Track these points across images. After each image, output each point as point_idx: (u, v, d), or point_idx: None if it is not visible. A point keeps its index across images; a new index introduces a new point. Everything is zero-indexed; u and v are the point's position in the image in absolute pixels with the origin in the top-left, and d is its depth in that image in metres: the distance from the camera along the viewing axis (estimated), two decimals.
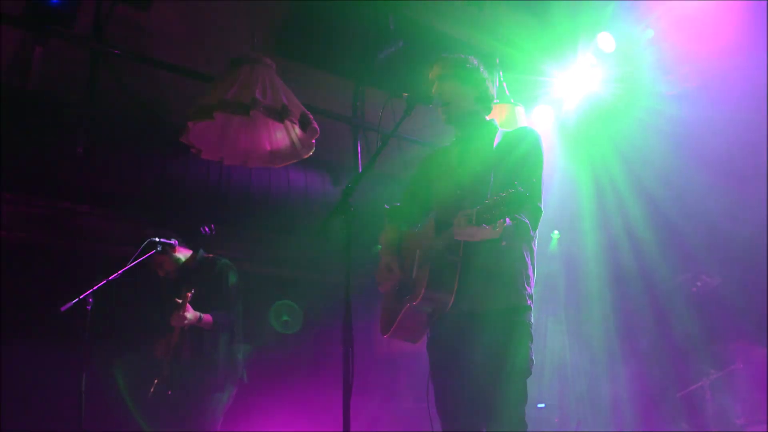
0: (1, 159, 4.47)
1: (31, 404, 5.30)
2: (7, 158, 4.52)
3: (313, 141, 4.48)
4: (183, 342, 4.36)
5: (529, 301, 2.92)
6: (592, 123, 6.40)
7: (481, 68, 3.17)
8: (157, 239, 4.36)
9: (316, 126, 4.35)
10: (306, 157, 4.62)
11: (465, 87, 3.12)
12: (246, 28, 4.78)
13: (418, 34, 5.43)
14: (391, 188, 5.03)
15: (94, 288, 3.91)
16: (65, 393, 4.18)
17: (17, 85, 4.99)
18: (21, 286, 5.50)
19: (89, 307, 3.89)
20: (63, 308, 3.81)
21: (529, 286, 2.93)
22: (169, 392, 4.33)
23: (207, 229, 4.71)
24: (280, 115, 4.15)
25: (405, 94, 2.97)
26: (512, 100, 5.13)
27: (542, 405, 6.60)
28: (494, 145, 3.04)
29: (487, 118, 3.20)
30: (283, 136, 4.57)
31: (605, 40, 5.77)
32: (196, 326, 4.31)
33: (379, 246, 3.19)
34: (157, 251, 4.37)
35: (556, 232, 7.14)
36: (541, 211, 2.89)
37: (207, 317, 4.33)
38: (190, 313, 4.24)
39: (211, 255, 4.71)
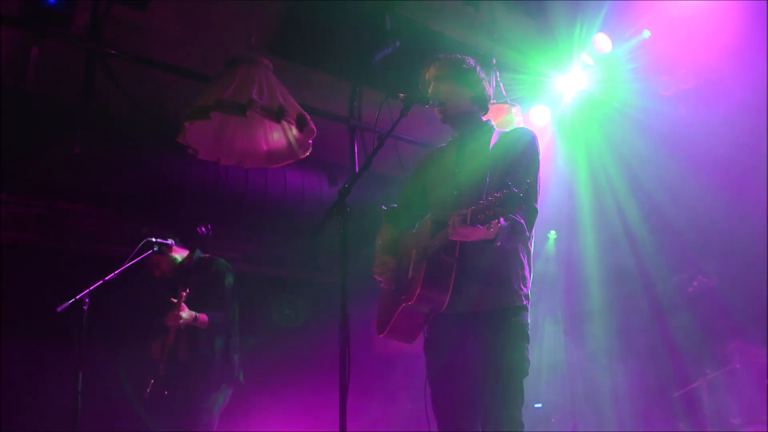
0: None
1: (27, 404, 5.29)
2: (3, 158, 4.51)
3: (310, 141, 4.49)
4: (179, 342, 4.36)
5: (525, 302, 2.92)
6: (588, 123, 6.41)
7: (478, 69, 3.19)
8: (153, 239, 4.35)
9: (313, 126, 4.35)
10: (303, 157, 4.62)
11: (461, 87, 3.13)
12: (243, 29, 4.78)
13: (414, 35, 5.43)
14: (388, 189, 5.03)
15: (91, 288, 3.90)
16: (62, 393, 4.17)
17: (14, 85, 4.98)
18: (17, 285, 5.49)
19: (85, 308, 3.89)
20: (59, 309, 3.80)
21: (525, 286, 2.94)
22: (165, 392, 4.33)
23: (204, 229, 4.71)
24: (277, 115, 4.16)
25: (401, 94, 2.98)
26: (509, 101, 5.15)
27: (539, 405, 6.61)
28: (491, 146, 3.04)
29: (484, 118, 3.21)
30: (279, 136, 4.58)
31: (602, 41, 5.78)
32: (192, 326, 4.31)
33: (376, 246, 3.20)
34: (154, 251, 4.36)
35: (552, 232, 7.15)
36: (537, 212, 2.89)
37: (203, 317, 4.33)
38: (186, 313, 4.24)
39: (207, 255, 4.71)
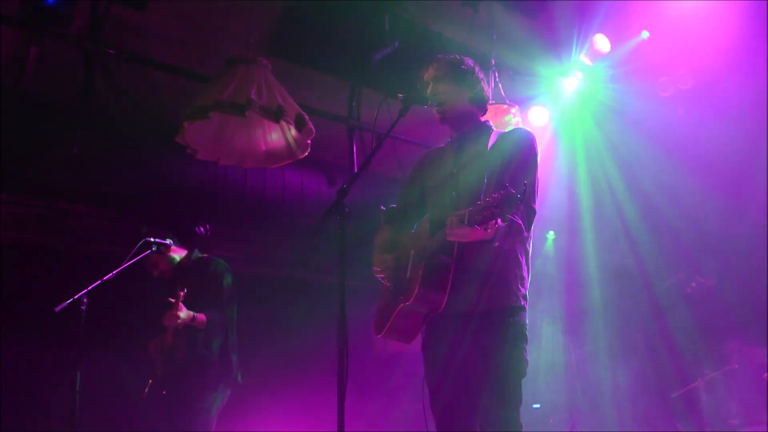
0: None
1: (25, 403, 5.29)
2: (3, 158, 4.52)
3: (309, 141, 4.49)
4: (177, 342, 4.36)
5: (523, 302, 2.93)
6: (587, 123, 6.41)
7: (477, 69, 3.19)
8: (152, 239, 4.35)
9: (312, 126, 4.35)
10: (301, 157, 4.62)
11: (460, 88, 3.13)
12: (242, 29, 4.78)
13: (413, 35, 5.43)
14: (387, 189, 5.04)
15: (89, 288, 3.90)
16: (60, 392, 4.17)
17: (13, 85, 4.98)
18: (16, 285, 5.50)
19: (84, 307, 3.89)
20: (57, 308, 3.80)
21: (523, 286, 2.94)
22: (164, 392, 4.33)
23: (202, 229, 4.71)
24: (276, 115, 4.16)
25: (400, 94, 2.99)
26: (507, 101, 5.15)
27: (538, 405, 6.61)
28: (489, 147, 3.04)
29: (483, 119, 3.21)
30: (278, 136, 4.58)
31: (600, 41, 5.79)
32: (190, 326, 4.31)
33: (375, 246, 3.20)
34: (153, 251, 4.36)
35: (551, 232, 7.16)
36: (535, 212, 2.90)
37: (201, 317, 4.33)
38: (184, 313, 4.24)
39: (206, 255, 4.72)
